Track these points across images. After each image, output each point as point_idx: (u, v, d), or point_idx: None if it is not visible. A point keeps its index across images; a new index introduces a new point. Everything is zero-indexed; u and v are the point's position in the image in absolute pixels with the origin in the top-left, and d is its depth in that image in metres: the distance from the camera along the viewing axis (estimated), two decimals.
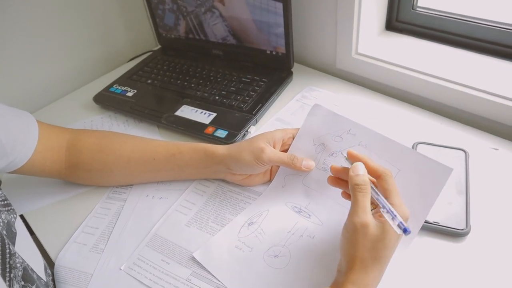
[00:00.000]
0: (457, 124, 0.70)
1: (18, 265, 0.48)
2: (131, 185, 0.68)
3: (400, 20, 0.84)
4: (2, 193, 0.53)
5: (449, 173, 0.48)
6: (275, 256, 0.54)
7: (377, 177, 0.47)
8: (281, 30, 0.79)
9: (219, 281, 0.52)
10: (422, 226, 0.51)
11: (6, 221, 0.49)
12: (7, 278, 0.45)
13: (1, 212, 0.50)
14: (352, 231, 0.43)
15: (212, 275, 0.52)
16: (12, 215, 0.52)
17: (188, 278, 0.53)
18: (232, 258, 0.54)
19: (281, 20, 0.78)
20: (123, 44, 1.08)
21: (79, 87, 0.98)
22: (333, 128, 0.58)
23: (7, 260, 0.46)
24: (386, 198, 0.45)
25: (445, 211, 0.54)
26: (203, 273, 0.53)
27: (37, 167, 0.62)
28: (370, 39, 0.83)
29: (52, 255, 0.60)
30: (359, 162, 0.48)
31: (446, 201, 0.55)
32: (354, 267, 0.43)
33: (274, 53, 0.85)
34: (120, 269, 0.56)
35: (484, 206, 0.55)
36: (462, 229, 0.52)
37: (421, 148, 0.63)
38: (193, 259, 0.54)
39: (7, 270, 0.46)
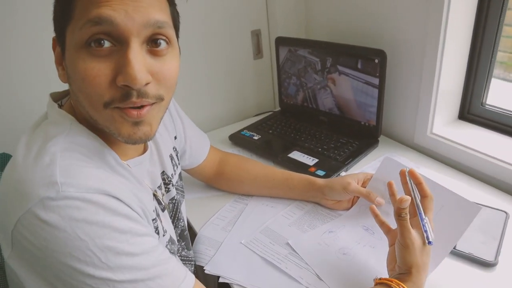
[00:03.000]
0: (506, 196, 0.89)
1: (180, 225, 0.78)
2: (251, 195, 0.97)
3: (471, 113, 1.08)
4: (182, 183, 0.84)
5: (478, 210, 0.69)
6: (344, 253, 0.77)
7: (423, 196, 0.66)
8: (374, 108, 1.08)
9: (304, 260, 0.77)
10: (457, 253, 0.72)
11: (178, 200, 0.79)
12: (174, 226, 0.76)
13: (178, 194, 0.80)
14: (405, 246, 0.63)
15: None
16: (182, 198, 0.83)
17: (286, 255, 0.79)
18: (314, 248, 0.79)
19: (375, 102, 1.07)
20: (251, 102, 1.45)
21: (219, 127, 1.35)
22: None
23: (177, 216, 0.77)
24: (424, 213, 0.66)
25: (478, 246, 0.74)
26: (297, 254, 0.79)
27: (199, 172, 0.96)
28: (444, 123, 1.07)
29: (196, 227, 0.90)
30: (407, 198, 0.63)
31: (481, 240, 0.75)
32: (412, 271, 0.62)
33: (366, 124, 1.13)
34: (241, 243, 0.83)
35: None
36: (491, 261, 0.71)
37: None
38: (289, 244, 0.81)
39: (175, 222, 0.76)
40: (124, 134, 0.52)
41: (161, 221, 0.66)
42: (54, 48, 0.56)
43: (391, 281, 0.62)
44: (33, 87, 1.04)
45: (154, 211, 0.63)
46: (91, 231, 0.46)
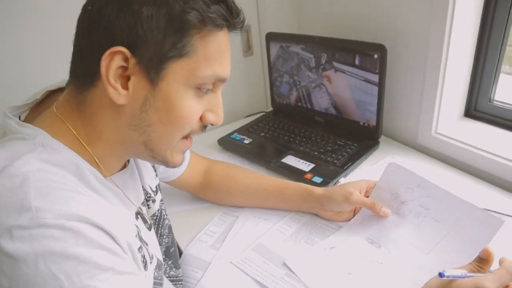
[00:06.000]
0: None
1: (163, 242, 0.71)
2: (242, 207, 0.89)
3: (478, 109, 1.00)
4: (161, 196, 0.75)
5: (501, 224, 0.61)
6: (349, 273, 0.69)
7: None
8: (374, 107, 1.00)
9: (304, 283, 0.68)
10: None
11: (159, 216, 0.71)
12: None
13: (159, 209, 0.72)
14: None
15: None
16: (164, 212, 0.74)
17: (282, 276, 0.70)
18: (315, 268, 0.71)
19: (375, 100, 0.99)
20: (241, 103, 1.36)
21: (207, 130, 1.25)
22: (406, 182, 0.74)
23: (159, 232, 0.70)
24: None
25: None
26: (294, 276, 0.70)
27: (182, 183, 0.86)
28: (449, 122, 0.99)
29: (181, 245, 0.81)
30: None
31: None
32: None
33: (366, 125, 1.04)
34: (231, 263, 0.75)
35: None
36: None
37: None
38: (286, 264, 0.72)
39: (158, 239, 0.69)
40: (178, 162, 0.57)
41: (146, 245, 0.59)
42: (109, 62, 0.46)
43: None
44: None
45: (136, 236, 0.55)
46: (68, 266, 0.40)
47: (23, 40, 0.96)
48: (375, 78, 0.97)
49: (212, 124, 0.55)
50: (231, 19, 0.50)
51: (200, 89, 0.51)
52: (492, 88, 0.96)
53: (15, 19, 0.93)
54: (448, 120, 0.99)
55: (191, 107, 0.51)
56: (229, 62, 0.53)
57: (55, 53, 0.98)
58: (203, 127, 0.55)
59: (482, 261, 0.57)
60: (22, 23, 0.94)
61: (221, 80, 0.53)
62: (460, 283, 0.52)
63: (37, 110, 0.56)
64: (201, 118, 0.54)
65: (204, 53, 0.49)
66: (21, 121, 0.53)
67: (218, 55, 0.50)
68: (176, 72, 0.48)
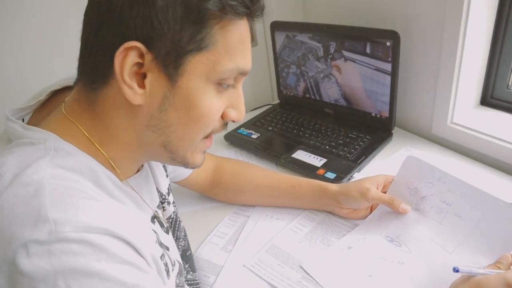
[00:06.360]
0: None
1: (180, 245, 0.67)
2: (253, 206, 0.85)
3: (494, 97, 0.96)
4: (173, 198, 0.73)
5: None
6: (369, 276, 0.66)
7: None
8: (386, 98, 0.96)
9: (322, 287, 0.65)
10: None
11: (175, 218, 0.69)
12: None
13: (174, 211, 0.69)
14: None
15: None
16: (178, 214, 0.71)
17: (298, 280, 0.67)
18: (333, 271, 0.67)
19: (388, 90, 0.94)
20: (247, 96, 1.29)
21: None
22: (425, 176, 0.71)
23: (175, 235, 0.67)
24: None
25: None
26: (312, 279, 0.67)
27: (191, 182, 0.83)
28: (465, 111, 0.95)
29: (192, 248, 0.78)
30: None
31: None
32: None
33: (378, 116, 1.00)
34: (244, 266, 0.72)
35: None
36: None
37: None
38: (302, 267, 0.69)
39: (176, 243, 0.65)
40: (198, 162, 0.54)
41: (167, 250, 0.56)
42: (124, 58, 0.42)
43: None
44: None
45: (156, 241, 0.52)
46: (89, 284, 0.37)
47: (23, 40, 0.92)
48: (387, 67, 0.92)
49: (233, 121, 0.52)
50: (252, 5, 0.45)
51: (221, 85, 0.48)
52: (510, 74, 0.92)
53: (13, 19, 0.89)
54: (464, 109, 0.95)
55: (213, 104, 0.47)
56: (250, 54, 0.49)
57: (54, 53, 0.95)
58: (224, 124, 0.53)
59: (502, 265, 0.55)
60: (20, 22, 0.90)
61: (243, 73, 0.49)
62: (489, 280, 0.51)
63: (41, 112, 0.53)
64: (222, 116, 0.51)
65: (225, 45, 0.45)
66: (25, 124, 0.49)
67: (240, 46, 0.47)
68: (196, 67, 0.45)
